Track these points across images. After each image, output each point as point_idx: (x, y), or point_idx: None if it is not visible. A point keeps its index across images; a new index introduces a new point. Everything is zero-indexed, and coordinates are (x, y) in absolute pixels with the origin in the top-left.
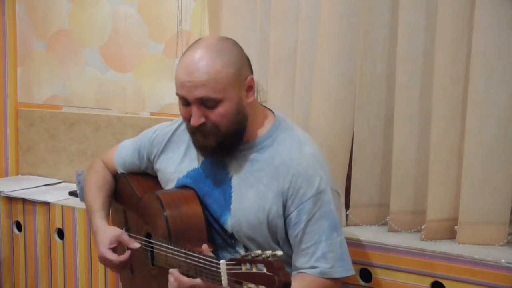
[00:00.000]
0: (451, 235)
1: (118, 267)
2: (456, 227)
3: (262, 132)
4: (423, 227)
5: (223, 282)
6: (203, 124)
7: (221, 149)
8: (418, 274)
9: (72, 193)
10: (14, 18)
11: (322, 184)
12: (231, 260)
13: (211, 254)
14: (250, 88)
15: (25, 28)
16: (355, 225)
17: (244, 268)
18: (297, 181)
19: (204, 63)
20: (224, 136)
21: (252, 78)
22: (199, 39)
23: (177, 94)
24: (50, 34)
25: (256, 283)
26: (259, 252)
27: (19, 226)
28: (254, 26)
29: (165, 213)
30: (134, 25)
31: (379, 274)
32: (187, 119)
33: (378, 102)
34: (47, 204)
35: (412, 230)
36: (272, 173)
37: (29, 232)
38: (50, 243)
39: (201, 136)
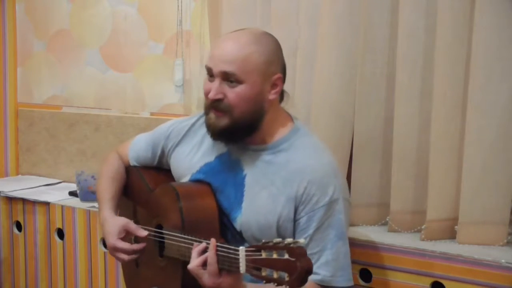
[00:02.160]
0: (451, 235)
1: (130, 256)
2: (456, 227)
3: (280, 135)
4: (423, 227)
5: (240, 268)
6: (218, 101)
7: (229, 133)
8: (418, 274)
9: (72, 193)
10: (14, 18)
11: (335, 194)
12: (251, 246)
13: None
14: (275, 86)
15: (25, 28)
16: (355, 225)
17: (264, 254)
18: (312, 188)
19: (239, 43)
20: (236, 121)
21: (280, 78)
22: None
23: (206, 66)
24: (50, 34)
25: (276, 269)
26: (280, 239)
27: (19, 226)
28: (254, 26)
29: (180, 204)
30: (134, 25)
31: (379, 274)
32: (207, 93)
33: (378, 102)
34: (47, 204)
35: (412, 230)
36: (286, 177)
37: (29, 232)
38: (50, 243)
39: (214, 115)
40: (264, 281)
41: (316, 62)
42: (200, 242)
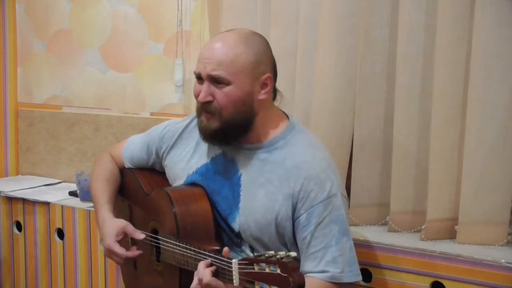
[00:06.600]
0: (451, 235)
1: (123, 261)
2: (456, 227)
3: (275, 133)
4: (423, 227)
5: (234, 281)
6: (208, 103)
7: (220, 135)
8: (418, 274)
9: (72, 193)
10: (14, 18)
11: (333, 189)
12: (244, 259)
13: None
14: (265, 85)
15: (25, 28)
16: (355, 225)
17: (257, 268)
18: (309, 185)
19: (226, 45)
20: (226, 122)
21: (270, 77)
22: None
23: (194, 72)
24: (50, 34)
25: (269, 283)
26: (272, 252)
27: (19, 226)
28: (254, 26)
29: (174, 210)
30: (134, 25)
31: (379, 274)
32: (197, 96)
33: (378, 102)
34: (47, 204)
35: (412, 230)
36: (283, 175)
37: (29, 232)
38: (50, 243)
39: (205, 117)
40: None
41: (316, 62)
42: (195, 251)
